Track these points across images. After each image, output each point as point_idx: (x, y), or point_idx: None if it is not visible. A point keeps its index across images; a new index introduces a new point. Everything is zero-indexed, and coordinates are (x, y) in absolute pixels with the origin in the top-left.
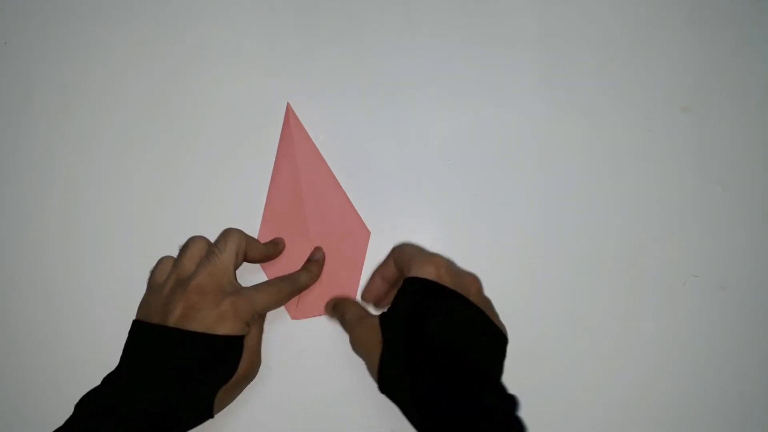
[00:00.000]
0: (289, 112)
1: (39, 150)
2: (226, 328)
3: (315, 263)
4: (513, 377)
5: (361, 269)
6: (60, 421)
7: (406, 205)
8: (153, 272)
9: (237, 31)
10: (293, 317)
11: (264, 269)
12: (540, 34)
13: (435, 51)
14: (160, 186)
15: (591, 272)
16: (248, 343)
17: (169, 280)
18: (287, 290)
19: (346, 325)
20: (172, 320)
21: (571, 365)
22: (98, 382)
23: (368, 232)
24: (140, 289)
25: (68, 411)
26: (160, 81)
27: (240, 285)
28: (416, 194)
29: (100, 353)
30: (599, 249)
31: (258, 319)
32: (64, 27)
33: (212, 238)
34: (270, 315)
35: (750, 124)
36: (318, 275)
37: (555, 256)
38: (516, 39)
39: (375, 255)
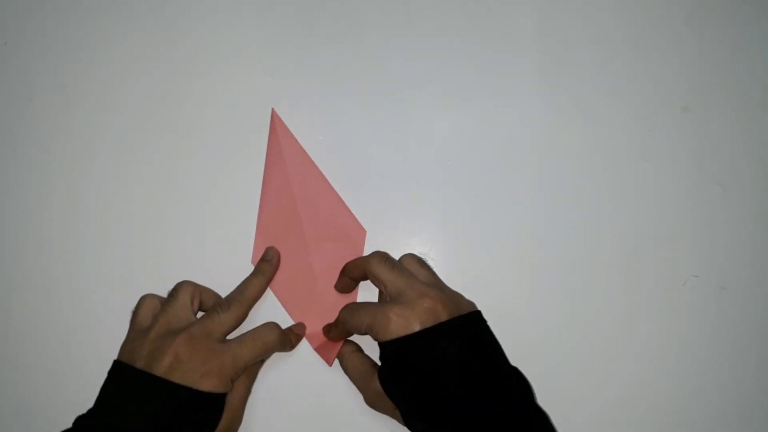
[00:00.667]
0: (274, 118)
1: (39, 150)
2: (210, 384)
3: (266, 263)
4: None
5: None
6: (59, 420)
7: (406, 205)
8: (136, 313)
9: (237, 31)
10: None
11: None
12: (540, 34)
13: (435, 51)
14: (161, 186)
15: (590, 272)
16: (232, 401)
17: (157, 324)
18: (271, 339)
19: (353, 382)
20: (160, 369)
21: (570, 365)
22: (97, 383)
23: (364, 231)
24: (138, 289)
25: (67, 409)
26: (160, 81)
27: (227, 340)
28: (416, 194)
29: (100, 353)
30: (599, 249)
31: (245, 377)
32: (64, 27)
33: (215, 241)
34: (270, 317)
35: (750, 124)
36: (271, 274)
37: (555, 256)
38: (516, 39)
39: None
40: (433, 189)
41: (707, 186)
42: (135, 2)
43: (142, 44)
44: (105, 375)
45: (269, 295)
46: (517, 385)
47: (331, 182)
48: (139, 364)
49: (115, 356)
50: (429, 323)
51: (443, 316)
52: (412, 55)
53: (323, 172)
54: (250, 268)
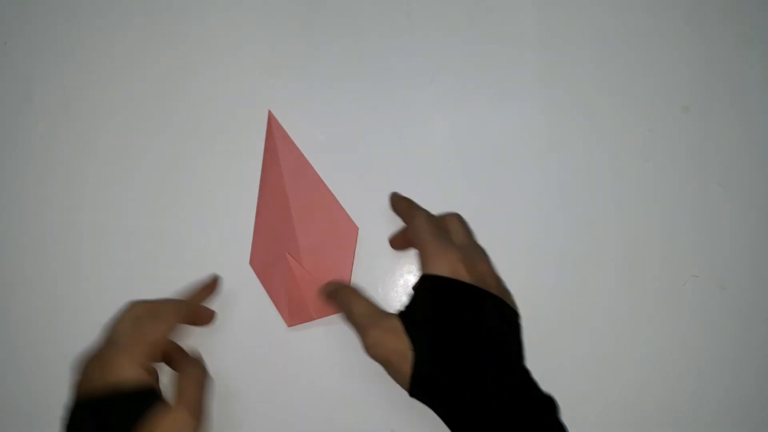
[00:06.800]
0: (271, 119)
1: (39, 150)
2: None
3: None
4: None
5: (351, 266)
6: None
7: None
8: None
9: (236, 31)
10: (288, 325)
11: (262, 283)
12: (540, 34)
13: (435, 50)
14: (160, 186)
15: (591, 272)
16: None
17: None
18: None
19: (355, 322)
20: None
21: (570, 365)
22: None
23: (356, 228)
24: (138, 290)
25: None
26: (160, 81)
27: None
28: (417, 194)
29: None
30: (599, 249)
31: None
32: (64, 27)
33: (214, 241)
34: (268, 320)
35: (750, 124)
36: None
37: (554, 256)
38: (516, 38)
39: (376, 255)
40: (434, 188)
41: (707, 186)
42: (134, 2)
43: (141, 44)
44: None
45: (262, 295)
46: (544, 398)
47: (331, 181)
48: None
49: None
50: (478, 285)
51: (492, 290)
52: (412, 54)
53: (324, 172)
54: (248, 269)
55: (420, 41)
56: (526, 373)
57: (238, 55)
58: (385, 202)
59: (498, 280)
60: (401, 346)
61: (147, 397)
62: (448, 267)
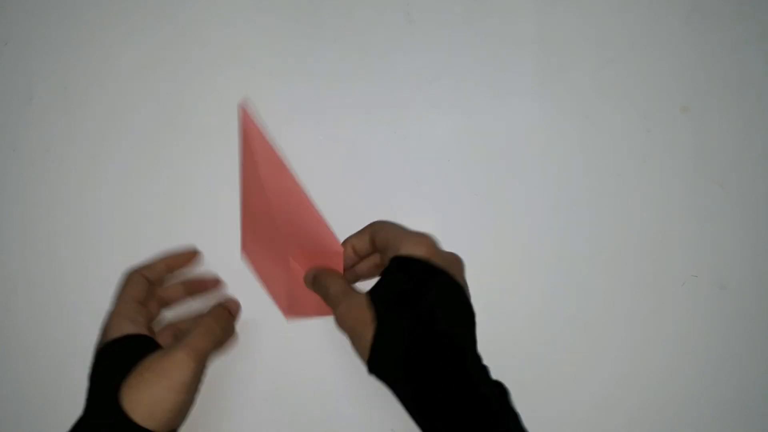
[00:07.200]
0: (245, 118)
1: (39, 150)
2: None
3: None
4: (511, 376)
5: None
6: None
7: (406, 205)
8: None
9: (237, 32)
10: (286, 317)
11: (256, 272)
12: (540, 34)
13: (435, 51)
14: (161, 187)
15: (590, 272)
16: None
17: None
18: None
19: (329, 299)
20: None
21: (570, 365)
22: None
23: (341, 249)
24: None
25: (61, 411)
26: (160, 82)
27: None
28: (416, 194)
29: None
30: (599, 249)
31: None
32: (65, 27)
33: (211, 238)
34: (267, 320)
35: (750, 124)
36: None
37: (554, 257)
38: (516, 39)
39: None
40: (433, 189)
41: (707, 186)
42: (134, 3)
43: (141, 45)
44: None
45: (261, 296)
46: (497, 385)
47: (330, 181)
48: None
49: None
50: (448, 270)
51: (458, 278)
52: (412, 54)
53: (323, 172)
54: (246, 270)
55: (420, 41)
56: (479, 361)
57: (237, 55)
58: (385, 202)
59: (464, 278)
60: (365, 316)
61: (140, 344)
62: (424, 249)
